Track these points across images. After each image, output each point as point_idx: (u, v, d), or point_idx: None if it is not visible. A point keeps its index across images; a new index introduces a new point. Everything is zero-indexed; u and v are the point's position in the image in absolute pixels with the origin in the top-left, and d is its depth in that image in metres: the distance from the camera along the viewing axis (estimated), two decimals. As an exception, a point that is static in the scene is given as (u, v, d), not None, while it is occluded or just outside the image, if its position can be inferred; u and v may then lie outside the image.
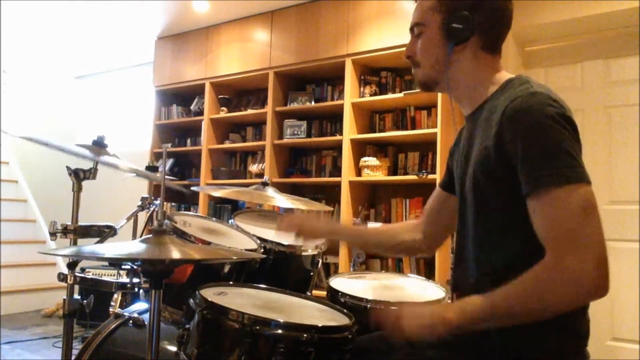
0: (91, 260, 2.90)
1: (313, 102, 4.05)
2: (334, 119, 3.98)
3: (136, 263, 1.31)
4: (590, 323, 1.08)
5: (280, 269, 1.70)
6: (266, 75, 4.14)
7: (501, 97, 1.09)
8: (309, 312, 1.34)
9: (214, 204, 4.51)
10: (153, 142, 4.87)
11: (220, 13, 4.31)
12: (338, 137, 3.76)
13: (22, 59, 5.89)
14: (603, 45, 3.29)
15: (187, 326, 1.21)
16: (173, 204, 4.78)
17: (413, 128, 3.60)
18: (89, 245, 1.17)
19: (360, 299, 1.49)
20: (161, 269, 1.10)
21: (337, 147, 3.85)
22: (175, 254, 1.06)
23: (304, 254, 1.75)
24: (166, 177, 1.57)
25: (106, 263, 3.50)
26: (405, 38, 1.27)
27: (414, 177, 3.43)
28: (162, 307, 1.44)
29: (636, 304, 3.03)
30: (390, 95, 3.62)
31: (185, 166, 4.94)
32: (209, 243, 1.53)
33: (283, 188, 3.57)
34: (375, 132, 3.80)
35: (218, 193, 2.13)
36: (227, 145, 4.52)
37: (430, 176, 3.35)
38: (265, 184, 2.01)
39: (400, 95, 3.52)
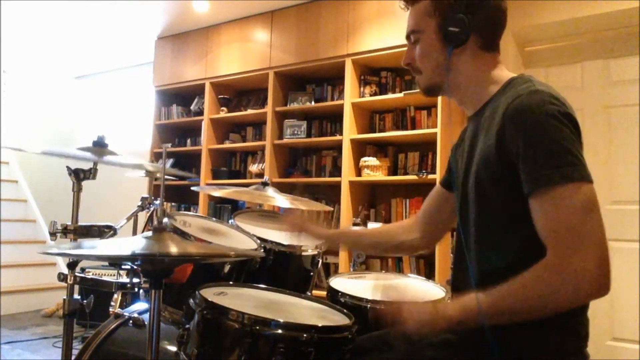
0: (91, 260, 2.90)
1: (313, 102, 4.05)
2: (334, 119, 3.98)
3: (136, 262, 1.31)
4: (590, 323, 1.08)
5: (280, 269, 1.70)
6: (266, 75, 4.14)
7: (503, 97, 1.09)
8: (309, 312, 1.34)
9: (214, 204, 4.51)
10: (153, 142, 4.88)
11: (220, 13, 4.31)
12: (338, 137, 3.76)
13: (22, 59, 5.89)
14: (603, 45, 3.29)
15: (187, 326, 1.21)
16: (173, 204, 4.78)
17: (413, 128, 3.61)
18: (89, 245, 1.17)
19: (360, 299, 1.48)
20: (161, 268, 1.10)
21: (337, 147, 3.85)
22: (175, 250, 1.06)
23: (304, 254, 1.75)
24: (167, 173, 1.57)
25: (106, 263, 3.50)
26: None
27: (414, 177, 3.43)
28: (162, 307, 1.44)
29: (636, 304, 3.02)
30: (390, 95, 3.62)
31: (185, 166, 4.94)
32: (209, 243, 1.53)
33: (283, 188, 3.57)
34: (375, 132, 3.80)
35: (218, 193, 2.13)
36: (227, 145, 4.52)
37: (430, 176, 3.35)
38: (265, 184, 2.01)
39: (400, 95, 3.52)
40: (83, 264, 2.20)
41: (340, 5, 3.78)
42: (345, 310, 1.33)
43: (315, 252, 1.78)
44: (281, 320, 1.11)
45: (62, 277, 1.60)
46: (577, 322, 1.05)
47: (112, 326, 1.64)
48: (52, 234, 1.57)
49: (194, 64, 4.66)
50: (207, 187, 3.79)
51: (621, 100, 3.22)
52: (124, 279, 1.72)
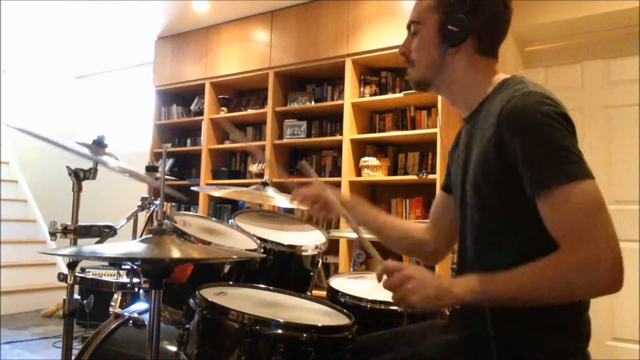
0: (91, 260, 2.90)
1: (313, 102, 4.05)
2: (334, 119, 3.98)
3: (136, 263, 1.31)
4: (591, 323, 1.08)
5: (280, 269, 1.70)
6: (266, 75, 4.14)
7: (496, 98, 1.09)
8: (309, 312, 1.34)
9: (214, 204, 4.51)
10: (153, 142, 4.88)
11: (220, 13, 4.31)
12: (338, 137, 3.76)
13: (22, 59, 5.89)
14: (603, 45, 3.29)
15: (187, 326, 1.21)
16: (173, 204, 4.78)
17: (413, 128, 3.61)
18: (89, 245, 1.17)
19: (360, 299, 1.49)
20: (161, 268, 1.10)
21: (337, 147, 3.85)
22: (175, 254, 1.06)
23: (304, 254, 1.75)
24: (166, 177, 1.57)
25: (106, 263, 3.50)
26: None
27: (414, 177, 3.43)
28: (162, 307, 1.44)
29: (636, 304, 3.02)
30: (390, 95, 3.62)
31: (185, 166, 4.94)
32: (209, 243, 1.53)
33: (283, 188, 3.56)
34: (375, 132, 3.80)
35: (218, 193, 2.13)
36: (227, 145, 4.52)
37: (430, 176, 3.35)
38: (265, 184, 2.01)
39: (400, 95, 3.52)
40: (83, 264, 2.20)
41: (340, 5, 3.78)
42: (345, 310, 1.33)
43: (315, 252, 1.78)
44: (281, 320, 1.11)
45: (62, 277, 1.59)
46: (578, 321, 1.05)
47: (112, 326, 1.64)
48: (52, 234, 1.57)
49: (194, 64, 4.66)
50: (207, 187, 3.79)
51: (621, 100, 3.22)
52: (124, 279, 1.72)
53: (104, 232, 1.67)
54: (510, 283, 0.98)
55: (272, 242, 1.68)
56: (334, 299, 1.52)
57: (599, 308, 3.05)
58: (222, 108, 4.54)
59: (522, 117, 1.00)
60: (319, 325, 1.13)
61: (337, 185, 3.69)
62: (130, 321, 1.60)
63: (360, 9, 3.68)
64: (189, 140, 4.89)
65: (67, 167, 1.65)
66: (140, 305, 1.68)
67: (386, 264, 1.08)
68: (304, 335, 1.09)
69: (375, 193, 3.90)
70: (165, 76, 4.88)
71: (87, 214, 1.84)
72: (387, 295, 1.53)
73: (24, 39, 5.25)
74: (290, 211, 2.90)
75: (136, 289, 1.69)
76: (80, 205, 1.66)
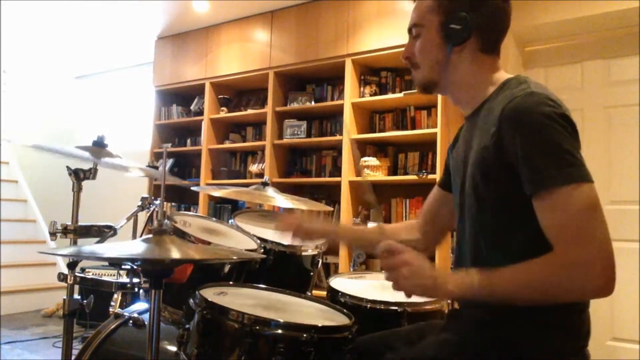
0: (91, 260, 2.90)
1: (313, 102, 4.05)
2: (334, 119, 3.98)
3: (136, 263, 1.31)
4: (591, 323, 1.08)
5: (280, 269, 1.70)
6: (266, 75, 4.14)
7: (499, 98, 1.09)
8: (309, 312, 1.34)
9: (214, 204, 4.51)
10: (153, 142, 4.88)
11: (220, 13, 4.31)
12: (338, 137, 3.76)
13: (22, 59, 5.89)
14: (603, 45, 3.29)
15: (187, 326, 1.21)
16: (173, 204, 4.78)
17: (413, 128, 3.61)
18: (89, 245, 1.17)
19: (360, 299, 1.49)
20: (161, 268, 1.10)
21: (337, 147, 3.85)
22: (175, 254, 1.06)
23: (304, 254, 1.75)
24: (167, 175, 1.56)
25: (106, 263, 3.50)
26: (406, 38, 1.27)
27: (414, 177, 3.43)
28: (162, 307, 1.44)
29: (636, 304, 3.03)
30: (390, 95, 3.62)
31: (185, 166, 4.94)
32: (209, 243, 1.54)
33: (283, 188, 3.57)
34: (375, 132, 3.80)
35: (218, 193, 2.13)
36: (227, 145, 4.52)
37: (430, 176, 3.35)
38: (265, 184, 2.01)
39: (400, 95, 3.52)
40: (83, 264, 2.20)
41: (340, 5, 3.78)
42: (345, 310, 1.33)
43: (315, 252, 1.78)
44: (281, 320, 1.11)
45: (62, 277, 1.60)
46: (578, 321, 1.05)
47: (112, 326, 1.64)
48: (52, 234, 1.57)
49: (194, 64, 4.66)
50: (207, 187, 3.79)
51: (621, 100, 3.22)
52: (124, 279, 1.72)
53: (104, 232, 1.67)
54: (502, 282, 0.98)
55: (272, 242, 1.68)
56: (334, 299, 1.52)
57: (599, 308, 3.05)
58: (222, 108, 4.54)
59: (524, 117, 1.00)
60: (319, 325, 1.13)
61: (337, 185, 3.69)
62: (130, 321, 1.60)
63: (360, 9, 3.68)
64: (189, 140, 4.89)
65: (67, 167, 1.65)
66: (140, 305, 1.68)
67: (390, 244, 1.07)
68: (304, 335, 1.09)
69: (375, 193, 3.89)
70: (165, 76, 4.88)
71: (87, 214, 1.84)
72: (387, 296, 1.54)
73: (24, 39, 5.25)
74: (290, 211, 2.90)
75: (136, 289, 1.69)
76: (80, 205, 1.66)
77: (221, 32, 4.49)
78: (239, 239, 1.70)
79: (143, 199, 2.00)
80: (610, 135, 3.23)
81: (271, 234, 1.76)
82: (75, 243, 1.62)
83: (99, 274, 4.00)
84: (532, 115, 0.99)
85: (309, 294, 1.73)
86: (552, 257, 0.96)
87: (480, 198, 1.09)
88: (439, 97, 3.27)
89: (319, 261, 1.81)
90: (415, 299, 1.60)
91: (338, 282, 1.66)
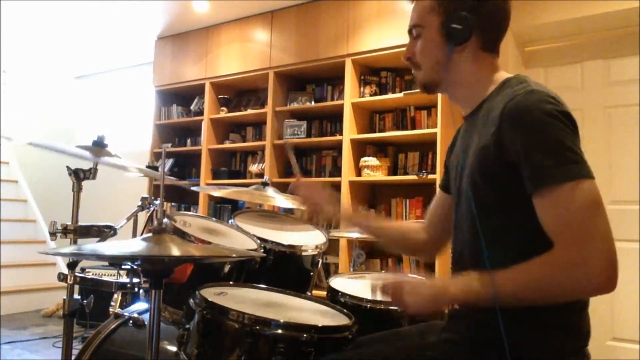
0: (91, 260, 2.90)
1: (313, 102, 4.05)
2: (334, 119, 3.98)
3: (136, 262, 1.31)
4: (591, 323, 1.08)
5: (280, 269, 1.70)
6: (266, 75, 4.14)
7: (498, 97, 1.09)
8: (309, 312, 1.34)
9: (214, 204, 4.51)
10: (153, 142, 4.88)
11: (220, 13, 4.31)
12: (338, 137, 3.76)
13: (22, 59, 5.89)
14: (603, 45, 3.29)
15: (187, 326, 1.21)
16: (173, 204, 4.78)
17: (413, 128, 3.61)
18: (89, 245, 1.17)
19: (360, 299, 1.48)
20: (161, 268, 1.10)
21: (337, 147, 3.85)
22: (175, 252, 1.06)
23: (304, 254, 1.75)
24: (166, 176, 1.57)
25: (106, 263, 3.50)
26: (406, 38, 1.27)
27: (414, 177, 3.43)
28: (162, 307, 1.44)
29: (636, 304, 3.03)
30: (390, 95, 3.62)
31: (185, 166, 4.94)
32: (209, 243, 1.53)
33: (283, 188, 3.57)
34: (375, 132, 3.80)
35: (218, 193, 2.13)
36: (227, 145, 4.52)
37: (430, 176, 3.35)
38: (265, 184, 2.01)
39: (400, 95, 3.52)
40: (83, 264, 2.20)
41: (340, 5, 3.78)
42: (345, 310, 1.33)
43: (315, 252, 1.78)
44: (281, 320, 1.11)
45: (62, 277, 1.60)
46: (578, 321, 1.05)
47: (112, 326, 1.64)
48: (52, 234, 1.57)
49: (194, 64, 4.66)
50: (207, 187, 3.79)
51: (621, 100, 3.22)
52: (124, 279, 1.72)
53: (104, 232, 1.67)
54: (503, 282, 0.98)
55: (272, 242, 1.68)
56: (334, 299, 1.52)
57: (599, 308, 3.06)
58: (222, 108, 4.54)
59: (525, 115, 1.00)
60: (319, 325, 1.13)
61: (337, 185, 3.69)
62: (130, 321, 1.60)
63: (360, 9, 3.68)
64: (189, 140, 4.89)
65: (67, 167, 1.65)
66: (140, 305, 1.68)
67: (384, 284, 1.10)
68: (304, 335, 1.09)
69: (375, 193, 3.90)
70: (165, 76, 4.88)
71: (87, 214, 1.84)
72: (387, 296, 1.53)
73: (24, 39, 5.25)
74: (290, 211, 2.90)
75: (136, 289, 1.69)
76: (80, 205, 1.66)
77: (221, 32, 4.49)
78: (239, 239, 1.70)
79: (143, 199, 2.00)
80: (610, 135, 3.23)
81: (271, 234, 1.76)
82: (75, 243, 1.62)
83: (99, 274, 4.00)
84: (533, 113, 0.99)
85: (309, 294, 1.73)
86: (552, 255, 0.96)
87: (478, 198, 1.09)
88: (439, 97, 3.27)
89: (319, 261, 1.81)
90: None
91: (338, 282, 1.66)
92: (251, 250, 1.61)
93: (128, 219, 1.93)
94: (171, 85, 4.84)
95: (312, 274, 1.80)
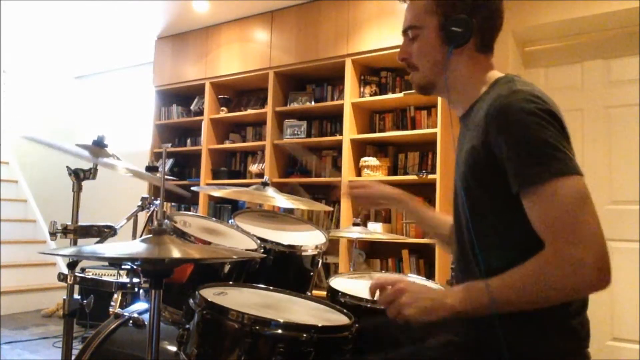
0: (91, 260, 2.90)
1: (313, 102, 4.05)
2: (334, 119, 3.98)
3: (136, 263, 1.31)
4: (590, 323, 1.08)
5: (280, 269, 1.69)
6: (266, 75, 4.14)
7: (487, 97, 1.10)
8: (309, 312, 1.34)
9: (214, 204, 4.51)
10: (153, 142, 4.88)
11: (220, 13, 4.31)
12: (338, 137, 3.76)
13: (22, 59, 5.89)
14: (603, 45, 3.29)
15: (187, 326, 1.20)
16: (173, 204, 4.78)
17: (413, 128, 3.61)
18: (89, 245, 1.17)
19: (360, 299, 1.48)
20: (161, 268, 1.10)
21: (337, 147, 3.85)
22: (175, 254, 1.06)
23: (304, 254, 1.74)
24: (166, 177, 1.57)
25: (106, 263, 3.50)
26: (406, 38, 1.26)
27: (414, 177, 3.43)
28: (162, 307, 1.44)
29: (636, 304, 3.02)
30: (390, 95, 3.62)
31: (185, 166, 4.94)
32: (209, 243, 1.53)
33: (283, 188, 3.57)
34: (375, 132, 3.80)
35: (218, 193, 2.13)
36: (227, 145, 4.52)
37: (430, 176, 3.35)
38: (265, 184, 2.01)
39: (400, 95, 3.52)
40: (83, 264, 2.20)
41: (340, 5, 3.78)
42: (345, 310, 1.33)
43: (315, 252, 1.78)
44: (281, 320, 1.11)
45: (62, 277, 1.60)
46: (577, 321, 1.05)
47: (112, 326, 1.64)
48: (52, 234, 1.57)
49: (194, 64, 4.66)
50: (207, 187, 3.79)
51: (621, 100, 3.22)
52: (124, 279, 1.72)
53: (104, 232, 1.67)
54: (499, 289, 0.97)
55: (272, 242, 1.68)
56: (334, 299, 1.51)
57: (599, 308, 3.06)
58: (222, 108, 4.54)
59: (507, 116, 1.00)
60: (319, 325, 1.13)
61: (337, 185, 3.69)
62: (130, 321, 1.60)
63: (360, 9, 3.68)
64: (189, 140, 4.89)
65: (67, 167, 1.65)
66: (140, 305, 1.68)
67: (379, 279, 1.09)
68: (304, 335, 1.09)
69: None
70: (165, 76, 4.88)
71: (87, 214, 1.84)
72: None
73: (24, 39, 5.25)
74: (290, 211, 2.90)
75: (136, 289, 1.69)
76: (80, 205, 1.66)
77: (221, 32, 4.49)
78: (239, 239, 1.70)
79: (143, 199, 2.00)
80: (610, 135, 3.23)
81: (271, 234, 1.76)
82: (75, 243, 1.62)
83: (99, 274, 4.00)
84: (515, 113, 0.99)
85: (309, 294, 1.73)
86: (543, 255, 0.95)
87: (472, 199, 1.09)
88: (439, 97, 3.26)
89: (319, 261, 1.81)
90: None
91: (338, 282, 1.66)
92: (251, 250, 1.61)
93: (128, 219, 1.93)
94: (171, 85, 4.84)
95: (312, 274, 1.80)
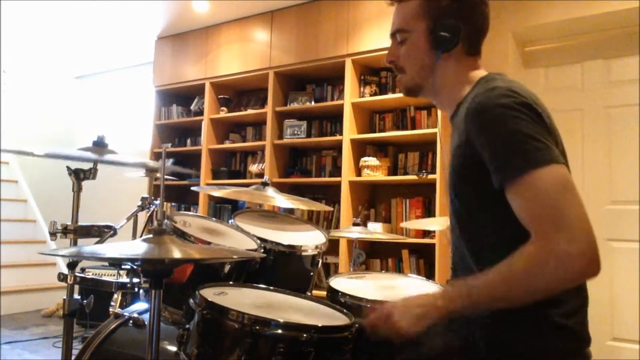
0: (91, 260, 2.90)
1: (313, 102, 4.05)
2: (334, 119, 3.98)
3: (136, 263, 1.31)
4: (590, 323, 1.08)
5: (280, 269, 1.69)
6: (266, 75, 4.14)
7: (469, 97, 1.11)
8: (309, 312, 1.34)
9: (214, 204, 4.51)
10: (153, 142, 4.88)
11: (220, 13, 4.31)
12: (338, 137, 3.76)
13: (22, 59, 5.89)
14: (603, 45, 3.29)
15: (187, 326, 1.20)
16: (173, 204, 4.78)
17: (413, 128, 3.61)
18: (89, 246, 1.17)
19: (360, 299, 1.48)
20: (161, 268, 1.10)
21: (337, 147, 3.85)
22: (176, 254, 1.06)
23: (304, 254, 1.74)
24: (168, 172, 1.57)
25: (106, 263, 3.50)
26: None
27: (414, 177, 3.43)
28: (162, 307, 1.44)
29: (636, 304, 3.02)
30: (390, 95, 3.62)
31: (185, 166, 4.93)
32: (209, 243, 1.53)
33: (283, 188, 3.57)
34: (375, 132, 3.80)
35: (218, 193, 2.13)
36: (227, 145, 4.52)
37: (430, 176, 3.35)
38: (265, 184, 2.01)
39: (400, 95, 3.50)
40: (83, 264, 2.20)
41: (340, 5, 3.78)
42: (345, 310, 1.33)
43: (315, 252, 1.78)
44: (281, 320, 1.11)
45: (62, 277, 1.60)
46: (575, 322, 1.05)
47: (112, 326, 1.64)
48: (52, 234, 1.57)
49: (194, 64, 4.66)
50: (207, 187, 3.79)
51: (621, 100, 3.22)
52: (124, 279, 1.72)
53: (104, 232, 1.67)
54: (489, 282, 0.97)
55: (272, 242, 1.68)
56: (334, 299, 1.51)
57: (599, 308, 3.06)
58: (222, 108, 4.54)
59: (484, 113, 1.01)
60: (319, 325, 1.13)
61: (337, 185, 3.69)
62: (130, 321, 1.60)
63: (360, 9, 3.68)
64: (189, 140, 4.89)
65: (67, 167, 1.65)
66: (140, 305, 1.68)
67: (367, 320, 1.08)
68: (304, 335, 1.09)
69: (375, 193, 3.90)
70: (165, 76, 4.88)
71: (87, 214, 1.84)
72: (387, 295, 1.54)
73: (24, 39, 5.25)
74: (290, 211, 2.90)
75: (136, 289, 1.69)
76: (80, 205, 1.66)
77: (221, 32, 4.49)
78: (239, 239, 1.70)
79: (143, 199, 2.01)
80: (610, 135, 3.23)
81: (271, 234, 1.76)
82: (75, 243, 1.62)
83: (99, 274, 4.00)
84: (491, 109, 1.00)
85: (309, 294, 1.73)
86: (530, 246, 0.94)
87: (461, 197, 1.10)
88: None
89: (319, 261, 1.81)
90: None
91: (338, 282, 1.66)
92: (251, 250, 1.61)
93: (128, 219, 1.94)
94: (171, 85, 4.84)
95: (312, 274, 1.80)
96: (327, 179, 3.92)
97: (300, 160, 4.23)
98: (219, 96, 4.56)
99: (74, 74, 6.14)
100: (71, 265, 1.60)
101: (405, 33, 1.19)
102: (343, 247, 3.60)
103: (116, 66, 5.72)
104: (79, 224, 1.62)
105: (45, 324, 4.54)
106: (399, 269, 3.56)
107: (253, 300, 1.33)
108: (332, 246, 3.54)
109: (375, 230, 3.35)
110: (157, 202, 2.00)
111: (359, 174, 3.67)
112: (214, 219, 1.89)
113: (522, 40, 3.44)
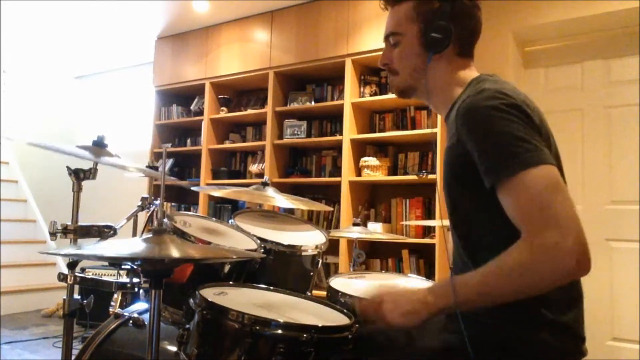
0: (91, 260, 2.90)
1: (313, 102, 4.05)
2: (334, 119, 3.98)
3: (136, 262, 1.31)
4: (590, 323, 1.08)
5: (280, 269, 1.69)
6: (266, 75, 4.14)
7: (460, 98, 1.13)
8: (309, 312, 1.34)
9: (214, 204, 4.51)
10: (153, 142, 4.88)
11: (220, 13, 4.31)
12: (338, 137, 3.76)
13: (22, 59, 5.89)
14: (603, 45, 3.29)
15: (187, 326, 1.21)
16: (173, 204, 4.78)
17: (413, 128, 3.61)
18: (89, 245, 1.17)
19: (361, 299, 1.48)
20: (161, 268, 1.10)
21: (337, 147, 3.85)
22: (175, 254, 1.06)
23: (304, 254, 1.74)
24: (166, 176, 1.57)
25: (106, 263, 3.50)
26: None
27: (414, 177, 3.43)
28: (162, 307, 1.44)
29: (636, 304, 3.02)
30: (390, 95, 3.61)
31: (185, 166, 4.94)
32: (209, 243, 1.53)
33: (283, 188, 3.57)
34: (375, 132, 3.81)
35: (218, 193, 2.13)
36: (227, 145, 4.52)
37: (430, 176, 3.35)
38: (265, 184, 2.01)
39: (400, 95, 3.52)
40: (83, 263, 2.20)
41: (340, 5, 3.78)
42: (345, 310, 1.33)
43: (315, 252, 1.78)
44: (281, 320, 1.11)
45: (62, 277, 1.60)
46: (569, 318, 1.05)
47: (112, 326, 1.64)
48: (52, 234, 1.57)
49: (194, 64, 4.66)
50: (207, 187, 3.79)
51: (621, 100, 3.22)
52: (124, 279, 1.72)
53: (104, 232, 1.66)
54: (481, 280, 0.97)
55: (272, 242, 1.68)
56: (334, 299, 1.51)
57: (599, 308, 3.06)
58: (222, 108, 4.54)
59: (473, 115, 1.02)
60: (319, 325, 1.13)
61: (337, 185, 3.69)
62: (130, 321, 1.60)
63: (360, 9, 3.68)
64: (189, 140, 4.89)
65: (67, 167, 1.65)
66: (140, 305, 1.68)
67: (359, 306, 1.10)
68: (304, 335, 1.09)
69: (375, 193, 3.90)
70: (165, 76, 4.88)
71: (87, 214, 1.84)
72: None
73: (24, 39, 5.25)
74: (290, 211, 2.90)
75: (136, 289, 1.69)
76: (80, 205, 1.66)
77: (221, 32, 4.49)
78: (239, 239, 1.70)
79: (143, 199, 2.00)
80: (610, 135, 3.23)
81: (271, 234, 1.76)
82: (75, 243, 1.62)
83: (99, 274, 4.00)
84: (480, 111, 1.01)
85: (309, 294, 1.73)
86: (519, 244, 0.94)
87: (455, 198, 1.11)
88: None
89: (319, 261, 1.81)
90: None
91: (338, 282, 1.66)
92: (251, 250, 1.61)
93: (128, 219, 1.94)
94: (171, 85, 4.84)
95: (312, 274, 1.80)
96: (327, 179, 3.92)
97: (300, 160, 4.23)
98: (219, 96, 4.56)
99: (74, 74, 6.14)
100: (71, 265, 1.60)
101: (398, 36, 1.22)
102: (343, 247, 3.60)
103: (116, 66, 5.72)
104: (79, 224, 1.62)
105: (45, 324, 4.54)
106: (399, 269, 3.56)
107: (253, 301, 1.33)
108: (332, 246, 3.53)
109: (375, 230, 3.35)
110: (157, 202, 2.00)
111: (359, 174, 3.67)
112: (214, 219, 1.89)
113: (522, 40, 3.44)
